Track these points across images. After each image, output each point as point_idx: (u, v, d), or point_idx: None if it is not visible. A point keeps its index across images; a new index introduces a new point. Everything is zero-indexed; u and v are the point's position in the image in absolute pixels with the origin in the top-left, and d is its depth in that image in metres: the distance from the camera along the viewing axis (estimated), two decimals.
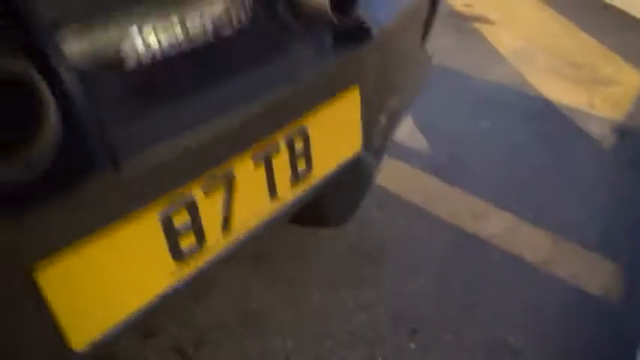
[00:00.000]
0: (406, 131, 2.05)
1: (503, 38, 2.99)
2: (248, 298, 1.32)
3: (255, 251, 1.41)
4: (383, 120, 1.04)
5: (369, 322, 1.28)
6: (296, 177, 0.80)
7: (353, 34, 0.81)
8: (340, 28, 0.79)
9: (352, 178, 1.02)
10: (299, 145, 0.78)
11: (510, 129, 2.10)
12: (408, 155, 1.91)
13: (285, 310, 1.29)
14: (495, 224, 1.61)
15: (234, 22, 0.69)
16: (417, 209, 1.66)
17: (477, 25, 3.18)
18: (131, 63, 0.58)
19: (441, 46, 2.76)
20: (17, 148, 0.44)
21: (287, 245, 1.46)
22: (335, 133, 0.87)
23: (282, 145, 0.75)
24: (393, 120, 1.10)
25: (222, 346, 1.19)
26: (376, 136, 1.02)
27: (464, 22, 3.24)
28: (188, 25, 0.63)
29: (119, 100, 0.56)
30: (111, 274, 0.58)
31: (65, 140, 0.48)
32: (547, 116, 2.21)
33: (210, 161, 0.65)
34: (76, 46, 0.54)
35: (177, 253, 0.64)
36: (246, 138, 0.69)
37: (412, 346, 1.23)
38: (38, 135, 0.45)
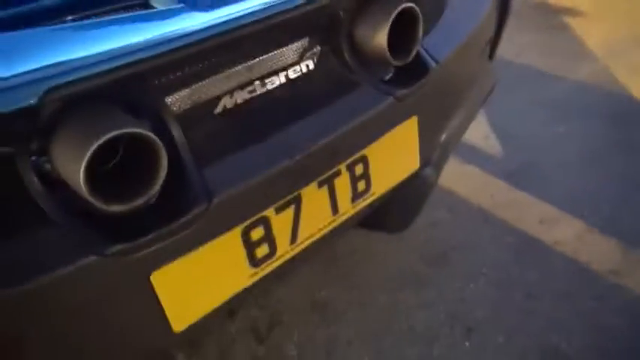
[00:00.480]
0: (480, 135, 2.09)
1: (594, 32, 2.86)
2: (318, 290, 1.47)
3: (327, 254, 1.56)
4: (442, 139, 1.13)
5: (428, 320, 1.39)
6: (356, 196, 0.92)
7: (411, 72, 0.91)
8: (399, 67, 0.89)
9: (411, 191, 1.13)
10: (359, 171, 0.91)
11: (589, 135, 2.06)
12: (480, 160, 1.96)
13: (350, 304, 1.43)
14: (563, 231, 1.64)
15: (305, 71, 0.82)
16: (484, 213, 1.73)
17: (565, 18, 3.07)
18: (223, 114, 0.74)
19: (522, 43, 2.72)
20: (141, 190, 0.61)
21: (357, 246, 1.60)
22: (394, 157, 0.98)
23: (344, 172, 0.88)
24: (453, 137, 1.18)
25: (292, 329, 1.36)
26: (435, 154, 1.12)
27: (550, 14, 3.14)
28: (267, 78, 0.78)
29: (214, 145, 0.72)
30: (203, 278, 0.75)
31: (173, 180, 0.65)
32: (633, 121, 2.14)
33: (281, 191, 0.79)
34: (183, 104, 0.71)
35: (253, 261, 0.80)
36: (313, 171, 0.82)
37: (467, 344, 1.32)
38: (156, 178, 0.61)
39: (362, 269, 1.53)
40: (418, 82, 0.91)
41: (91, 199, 0.58)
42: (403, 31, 0.86)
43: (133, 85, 0.64)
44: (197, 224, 0.68)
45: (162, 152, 0.61)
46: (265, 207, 0.79)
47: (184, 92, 0.71)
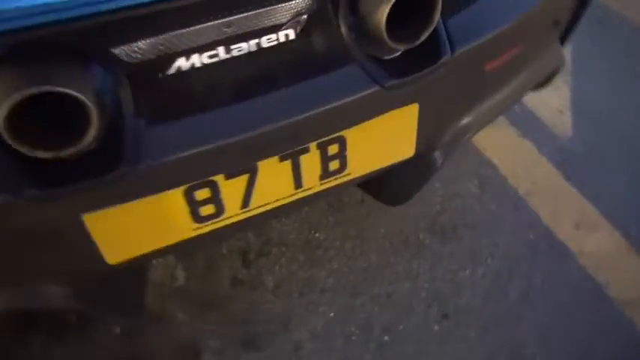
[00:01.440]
0: (554, 107, 1.87)
1: None
2: (314, 231, 1.48)
3: (331, 200, 1.55)
4: (459, 125, 1.02)
5: (409, 292, 1.37)
6: (326, 174, 0.88)
7: (418, 57, 0.81)
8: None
9: (408, 169, 1.05)
10: (333, 151, 0.86)
11: None
12: (541, 137, 1.77)
13: (339, 254, 1.44)
14: (594, 242, 1.49)
15: (284, 40, 0.75)
16: (518, 199, 1.60)
17: None
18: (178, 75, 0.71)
19: None
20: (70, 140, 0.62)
21: (367, 198, 1.56)
22: (382, 142, 0.91)
23: (314, 149, 0.83)
24: (477, 123, 1.07)
25: (277, 262, 1.41)
26: (444, 140, 1.02)
27: None
28: (235, 43, 0.72)
29: (163, 107, 0.70)
30: (140, 225, 0.78)
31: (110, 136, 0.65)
32: None
33: (233, 161, 0.77)
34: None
35: (197, 218, 0.81)
36: (272, 147, 0.79)
37: (435, 328, 1.31)
38: (85, 134, 0.62)
39: (364, 222, 1.51)
40: (419, 72, 0.81)
41: (14, 144, 0.60)
42: (416, 7, 0.75)
43: (77, 35, 0.62)
44: (127, 181, 0.69)
45: (92, 111, 0.61)
46: (213, 173, 0.78)
47: (138, 46, 0.68)
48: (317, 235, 1.47)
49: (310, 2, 0.76)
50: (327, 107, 0.77)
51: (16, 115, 0.58)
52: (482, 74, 0.97)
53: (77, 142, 0.63)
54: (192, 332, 1.28)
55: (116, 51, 0.67)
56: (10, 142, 0.60)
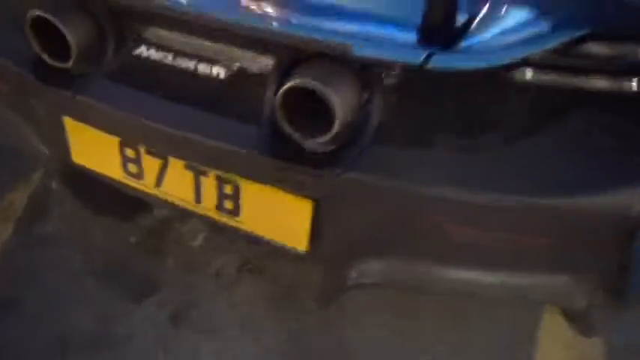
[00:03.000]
0: None
1: None
2: None
3: None
4: (369, 268, 0.94)
5: None
6: (222, 207, 0.98)
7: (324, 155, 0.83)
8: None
9: None
10: (228, 190, 0.95)
11: None
12: None
13: None
14: None
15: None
16: None
17: None
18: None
19: None
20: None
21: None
22: (276, 215, 0.94)
23: (211, 177, 0.94)
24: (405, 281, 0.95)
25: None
26: (350, 271, 0.95)
27: None
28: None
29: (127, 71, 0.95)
30: (94, 146, 1.05)
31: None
32: None
33: (151, 142, 0.96)
34: None
35: (125, 169, 1.03)
36: (179, 152, 0.94)
37: None
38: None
39: None
40: (311, 168, 0.83)
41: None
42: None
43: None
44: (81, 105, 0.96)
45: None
46: (138, 142, 0.98)
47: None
48: None
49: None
50: (223, 144, 0.88)
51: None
52: (433, 229, 0.88)
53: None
54: None
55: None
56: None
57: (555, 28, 0.76)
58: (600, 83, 0.79)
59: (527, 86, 0.79)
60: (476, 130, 0.83)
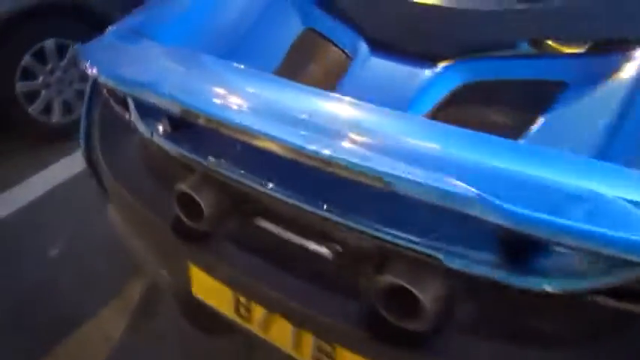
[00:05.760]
0: None
1: None
2: None
3: None
4: None
5: None
6: None
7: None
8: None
9: None
10: (325, 348, 1.08)
11: None
12: None
13: None
14: None
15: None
16: None
17: None
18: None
19: None
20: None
21: None
22: None
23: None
24: None
25: None
26: None
27: None
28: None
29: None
30: (214, 291, 1.24)
31: None
32: None
33: (260, 300, 1.13)
34: None
35: (236, 309, 1.21)
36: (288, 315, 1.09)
37: None
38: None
39: None
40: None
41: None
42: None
43: None
44: None
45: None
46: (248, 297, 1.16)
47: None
48: None
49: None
50: (322, 315, 1.03)
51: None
52: None
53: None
54: None
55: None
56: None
57: None
58: None
59: (605, 308, 0.85)
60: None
